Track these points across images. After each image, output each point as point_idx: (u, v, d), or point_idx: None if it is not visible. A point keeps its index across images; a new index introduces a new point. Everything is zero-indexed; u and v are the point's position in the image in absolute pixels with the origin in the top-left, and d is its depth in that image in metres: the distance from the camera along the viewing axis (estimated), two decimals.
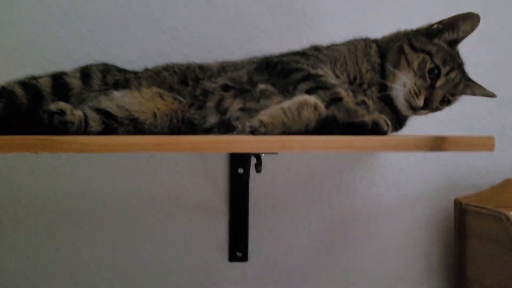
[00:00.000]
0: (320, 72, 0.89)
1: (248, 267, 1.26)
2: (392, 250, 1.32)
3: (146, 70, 1.06)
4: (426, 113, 0.96)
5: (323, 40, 1.08)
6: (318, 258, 1.29)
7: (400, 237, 1.32)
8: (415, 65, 0.92)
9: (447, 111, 1.31)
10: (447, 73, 0.93)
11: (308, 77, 0.87)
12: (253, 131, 0.77)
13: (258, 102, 0.91)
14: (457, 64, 0.95)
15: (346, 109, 0.81)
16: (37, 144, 0.68)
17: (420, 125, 1.28)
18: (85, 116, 0.83)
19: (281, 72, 0.91)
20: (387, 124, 0.80)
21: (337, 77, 0.93)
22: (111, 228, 1.21)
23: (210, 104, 0.94)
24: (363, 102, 0.92)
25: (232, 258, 1.25)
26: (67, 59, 1.18)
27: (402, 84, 0.92)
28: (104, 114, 0.87)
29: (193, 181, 1.23)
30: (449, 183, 1.33)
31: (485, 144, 0.83)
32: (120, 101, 0.90)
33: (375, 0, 1.30)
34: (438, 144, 0.81)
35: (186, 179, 1.23)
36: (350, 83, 0.94)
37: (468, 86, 0.99)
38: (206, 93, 0.95)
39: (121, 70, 1.04)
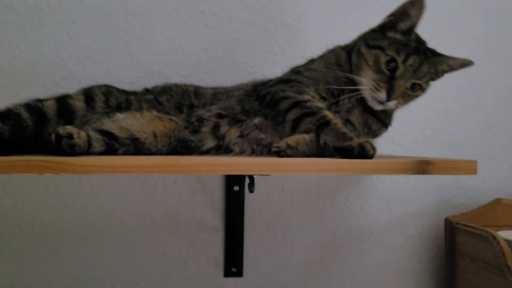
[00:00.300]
0: (306, 97, 0.93)
1: (243, 282, 1.29)
2: (385, 267, 1.35)
3: (146, 91, 1.10)
4: (397, 104, 0.97)
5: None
6: (311, 274, 1.32)
7: (392, 255, 1.35)
8: (370, 62, 0.96)
9: (437, 133, 1.37)
10: (404, 61, 0.94)
11: (295, 104, 0.91)
12: (279, 152, 0.84)
13: (254, 131, 0.96)
14: (413, 49, 0.96)
15: (334, 133, 0.85)
16: (42, 166, 0.72)
17: (412, 146, 1.33)
18: (89, 137, 0.87)
19: (270, 103, 0.95)
20: (373, 148, 0.84)
21: (323, 98, 0.96)
22: (112, 244, 1.24)
23: (205, 129, 0.98)
24: (348, 121, 0.96)
25: (228, 273, 1.28)
26: (71, 80, 1.23)
27: (366, 83, 0.95)
28: (107, 135, 0.91)
29: (191, 198, 1.27)
30: (440, 202, 1.37)
31: (468, 168, 0.86)
32: (123, 122, 0.94)
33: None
34: (422, 167, 0.85)
35: (184, 196, 1.27)
36: (337, 101, 0.98)
37: (437, 62, 0.99)
38: (201, 120, 0.99)
39: (121, 92, 1.08)
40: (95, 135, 0.89)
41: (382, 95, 0.94)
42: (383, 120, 1.03)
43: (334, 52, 1.04)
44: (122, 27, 1.25)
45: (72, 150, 0.80)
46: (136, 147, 0.94)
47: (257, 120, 0.96)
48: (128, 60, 1.26)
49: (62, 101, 0.98)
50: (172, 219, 1.26)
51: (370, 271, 1.34)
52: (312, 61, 1.06)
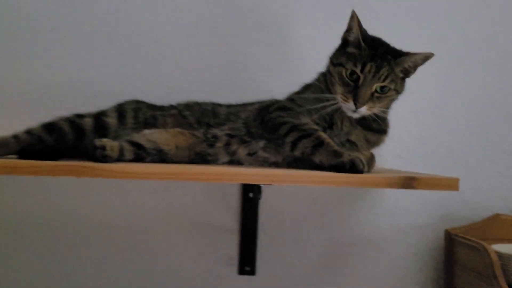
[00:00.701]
0: (302, 121, 1.05)
1: (255, 280, 1.41)
2: (388, 274, 1.44)
3: (171, 106, 1.24)
4: (370, 108, 1.05)
5: None
6: (318, 276, 1.43)
7: (395, 263, 1.44)
8: (337, 78, 1.07)
9: (440, 149, 1.45)
10: (362, 70, 1.03)
11: (292, 128, 1.03)
12: (353, 163, 0.94)
13: (259, 151, 1.09)
14: (368, 57, 1.04)
15: (327, 152, 0.97)
16: (80, 170, 0.87)
17: (415, 160, 1.42)
18: (121, 147, 1.02)
19: (272, 128, 1.08)
20: (363, 164, 0.94)
21: (317, 124, 1.07)
22: (138, 243, 1.39)
23: (219, 145, 1.12)
24: (348, 141, 1.08)
25: (241, 271, 1.40)
26: (107, 94, 1.38)
27: (338, 97, 1.06)
28: (136, 146, 1.05)
29: (209, 203, 1.40)
30: (442, 215, 1.45)
31: (451, 184, 0.96)
32: (149, 136, 1.09)
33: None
34: (408, 183, 0.95)
35: (204, 201, 1.40)
36: (329, 126, 1.09)
37: (399, 62, 1.06)
38: (215, 137, 1.13)
39: (149, 106, 1.22)
40: (126, 146, 1.03)
41: (351, 104, 1.04)
42: (379, 130, 1.14)
43: (318, 80, 1.15)
44: (153, 48, 1.41)
45: (104, 159, 0.95)
46: (161, 157, 1.08)
47: (261, 143, 1.09)
48: (156, 77, 1.41)
49: (98, 118, 1.14)
50: (192, 221, 1.40)
51: (374, 277, 1.44)
52: (305, 87, 1.18)
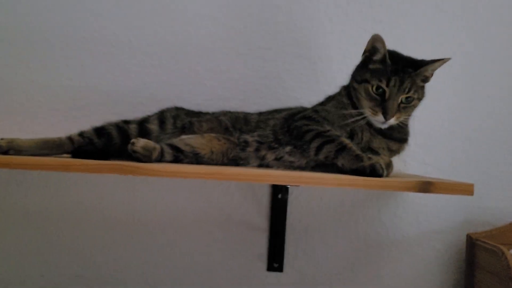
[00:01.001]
0: (326, 127, 1.14)
1: (283, 276, 1.50)
2: (411, 276, 1.51)
3: (207, 113, 1.36)
4: (398, 118, 1.14)
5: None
6: (343, 274, 1.51)
7: (419, 265, 1.51)
8: (363, 94, 1.15)
9: (465, 156, 1.51)
10: (387, 85, 1.12)
11: (317, 135, 1.12)
12: (373, 168, 1.03)
13: (285, 155, 1.19)
14: (392, 71, 1.13)
15: (349, 156, 1.05)
16: (123, 169, 0.99)
17: (442, 167, 1.49)
18: (162, 150, 1.14)
19: (298, 136, 1.17)
20: (382, 168, 1.03)
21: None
22: (176, 237, 1.51)
23: (250, 149, 1.22)
24: (369, 148, 1.16)
25: (270, 268, 1.50)
26: (152, 100, 1.51)
27: (366, 112, 1.14)
28: (175, 149, 1.17)
29: (242, 203, 1.51)
30: (464, 220, 1.50)
31: (466, 189, 1.02)
32: (187, 140, 1.21)
33: None
34: (425, 187, 1.02)
35: (236, 200, 1.51)
36: (350, 136, 1.17)
37: (419, 73, 1.15)
38: (246, 142, 1.23)
39: (188, 113, 1.35)
40: (166, 149, 1.15)
41: (380, 117, 1.13)
42: (400, 138, 1.22)
43: (340, 93, 1.25)
44: (193, 58, 1.53)
45: (144, 158, 1.07)
46: (197, 159, 1.19)
47: (288, 149, 1.19)
48: (196, 86, 1.53)
49: (142, 124, 1.27)
50: (225, 219, 1.51)
51: (396, 277, 1.50)
52: (328, 99, 1.27)
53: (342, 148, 1.07)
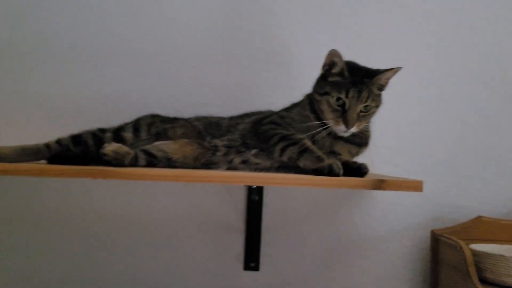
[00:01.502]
0: (291, 131, 1.22)
1: (259, 275, 1.57)
2: (382, 272, 1.57)
3: (183, 119, 1.43)
4: (359, 126, 1.21)
5: None
6: (318, 272, 1.58)
7: (389, 261, 1.57)
8: (325, 105, 1.23)
9: (431, 155, 1.58)
10: (347, 96, 1.20)
11: (282, 138, 1.20)
12: (331, 168, 1.10)
13: (251, 158, 1.26)
14: (350, 83, 1.21)
15: (311, 157, 1.13)
16: (96, 173, 1.06)
17: (410, 167, 1.56)
18: (136, 155, 1.20)
19: (264, 139, 1.24)
20: (339, 168, 1.10)
21: None
22: (157, 239, 1.57)
23: (219, 154, 1.29)
24: (332, 152, 1.24)
25: (247, 267, 1.56)
26: (132, 107, 1.56)
27: (329, 122, 1.22)
28: (149, 154, 1.23)
29: (219, 204, 1.58)
30: (432, 217, 1.57)
31: (415, 186, 1.09)
32: (160, 146, 1.27)
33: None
34: (378, 184, 1.09)
35: (214, 202, 1.58)
36: (313, 142, 1.22)
37: (375, 82, 1.22)
38: (216, 147, 1.31)
39: (163, 120, 1.41)
40: (140, 154, 1.21)
41: (342, 127, 1.21)
42: (360, 143, 1.30)
43: (304, 101, 1.32)
44: (172, 66, 1.60)
45: (115, 162, 1.13)
46: (170, 164, 1.25)
47: (253, 151, 1.26)
48: (175, 92, 1.60)
49: (117, 133, 1.33)
50: (203, 220, 1.58)
51: (369, 273, 1.57)
52: (293, 105, 1.34)
53: (304, 150, 1.15)
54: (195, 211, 1.58)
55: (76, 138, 1.30)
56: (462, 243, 1.28)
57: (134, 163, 1.19)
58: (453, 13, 1.62)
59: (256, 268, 1.56)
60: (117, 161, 1.14)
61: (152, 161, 1.23)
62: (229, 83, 1.61)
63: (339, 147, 1.26)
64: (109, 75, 1.60)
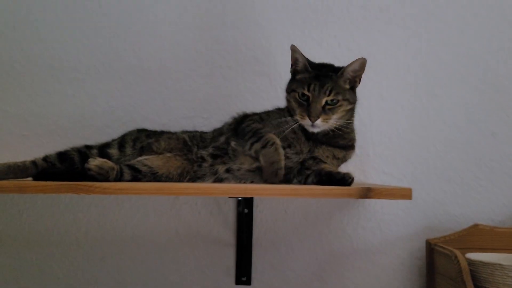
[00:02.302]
0: (264, 128, 1.22)
1: None
2: (376, 284, 1.53)
3: (167, 132, 1.41)
4: (325, 120, 1.20)
5: None
6: (311, 285, 1.54)
7: (383, 272, 1.53)
8: (293, 102, 1.24)
9: (424, 164, 1.54)
10: (309, 90, 1.21)
11: (254, 134, 1.21)
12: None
13: (234, 162, 1.23)
14: (313, 77, 1.23)
15: (269, 156, 1.14)
16: (78, 188, 1.03)
17: (401, 176, 1.53)
18: (121, 170, 1.18)
19: (241, 134, 1.25)
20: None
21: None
22: (145, 254, 1.54)
23: (205, 165, 1.27)
24: (313, 157, 1.22)
25: (238, 281, 1.52)
26: (118, 123, 1.57)
27: (297, 117, 1.22)
28: (133, 169, 1.21)
29: (209, 218, 1.55)
30: (426, 227, 1.54)
31: (404, 194, 1.06)
32: (145, 161, 1.25)
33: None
34: (365, 193, 1.06)
35: (203, 216, 1.55)
36: (288, 146, 1.23)
37: (340, 75, 1.23)
38: (203, 158, 1.28)
39: (149, 134, 1.39)
40: (125, 169, 1.20)
41: (307, 120, 1.20)
42: (344, 145, 1.27)
43: (285, 107, 1.32)
44: (157, 81, 1.59)
45: (99, 177, 1.11)
46: (155, 178, 1.23)
47: (233, 144, 1.26)
48: (161, 107, 1.58)
49: (103, 150, 1.32)
50: (193, 235, 1.54)
51: (362, 286, 1.53)
52: (276, 109, 1.35)
53: (270, 144, 1.15)
54: (184, 225, 1.55)
55: (62, 155, 1.28)
56: (457, 252, 1.24)
57: (119, 178, 1.18)
58: (441, 17, 1.61)
59: (248, 282, 1.52)
60: (101, 176, 1.12)
61: (137, 175, 1.22)
62: (213, 95, 1.59)
63: (322, 152, 1.24)
64: (93, 93, 1.58)
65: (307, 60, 1.27)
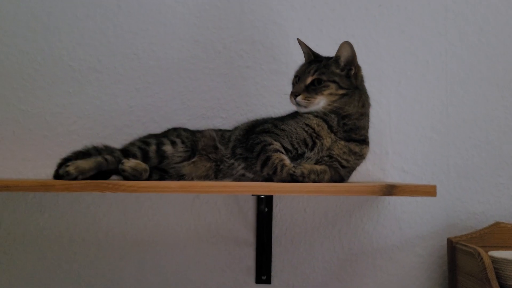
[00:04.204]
0: (274, 145, 1.20)
1: None
2: (396, 283, 1.52)
3: (199, 131, 1.43)
4: (306, 98, 1.24)
5: None
6: (330, 284, 1.53)
7: (403, 271, 1.52)
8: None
9: (445, 162, 1.54)
10: (298, 71, 1.33)
11: (262, 149, 1.19)
12: (293, 177, 1.12)
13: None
14: (307, 63, 1.33)
15: (280, 177, 1.13)
16: (104, 186, 1.05)
17: (421, 174, 1.53)
18: (151, 171, 1.23)
19: (249, 148, 1.24)
20: (303, 175, 1.13)
21: (294, 148, 1.22)
22: (165, 253, 1.55)
23: (223, 166, 1.31)
24: (329, 156, 1.23)
25: (258, 280, 1.53)
26: (137, 123, 1.58)
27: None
28: (162, 170, 1.27)
29: (229, 217, 1.55)
30: (447, 225, 1.52)
31: (428, 191, 1.06)
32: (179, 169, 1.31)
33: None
34: (389, 190, 1.06)
35: (223, 215, 1.55)
36: (310, 148, 1.23)
37: (334, 61, 1.28)
38: (222, 158, 1.32)
39: (186, 130, 1.43)
40: (154, 170, 1.26)
41: (292, 99, 1.26)
42: (358, 139, 1.27)
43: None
44: (176, 80, 1.60)
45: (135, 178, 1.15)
46: (181, 179, 1.28)
47: (241, 166, 1.27)
48: (180, 106, 1.59)
49: (159, 147, 1.31)
50: (213, 234, 1.55)
51: (382, 285, 1.52)
52: (286, 118, 1.34)
53: (283, 165, 1.14)
54: (205, 225, 1.56)
55: (125, 152, 1.30)
56: (480, 250, 1.24)
57: (147, 179, 1.22)
58: (460, 15, 1.60)
59: (268, 281, 1.52)
60: (135, 178, 1.17)
61: (164, 176, 1.26)
62: (232, 94, 1.60)
63: (339, 148, 1.24)
64: (113, 93, 1.59)
65: (310, 50, 1.36)
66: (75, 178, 1.13)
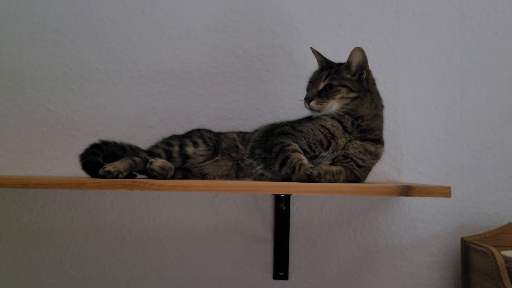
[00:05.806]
0: (292, 146, 1.25)
1: (288, 284, 1.58)
2: (410, 281, 1.57)
3: (222, 133, 1.49)
4: (318, 103, 1.30)
5: None
6: (346, 281, 1.58)
7: (417, 270, 1.57)
8: None
9: (459, 164, 1.57)
10: (311, 77, 1.39)
11: (280, 150, 1.25)
12: (310, 177, 1.17)
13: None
14: (320, 70, 1.38)
15: (298, 177, 1.18)
16: (132, 185, 1.11)
17: (436, 175, 1.57)
18: (175, 169, 1.30)
19: (268, 148, 1.30)
20: (319, 176, 1.17)
21: (312, 149, 1.28)
22: (186, 249, 1.61)
23: (243, 164, 1.37)
24: (345, 156, 1.27)
25: (276, 276, 1.58)
26: (160, 124, 1.65)
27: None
28: (185, 169, 1.33)
29: (247, 215, 1.61)
30: (461, 225, 1.56)
31: (443, 192, 1.10)
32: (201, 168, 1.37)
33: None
34: (405, 191, 1.10)
35: (242, 213, 1.61)
36: (325, 148, 1.28)
37: (346, 67, 1.33)
38: (243, 157, 1.37)
39: (209, 131, 1.48)
40: (178, 169, 1.31)
41: (306, 104, 1.32)
42: (372, 139, 1.32)
43: None
44: (197, 83, 1.66)
45: (158, 176, 1.22)
46: (203, 178, 1.34)
47: (259, 168, 1.33)
48: (201, 108, 1.66)
49: (181, 148, 1.36)
50: (232, 231, 1.61)
51: (396, 283, 1.57)
52: (303, 120, 1.39)
53: (301, 165, 1.19)
54: (224, 222, 1.62)
55: (150, 153, 1.35)
56: (493, 249, 1.27)
57: (172, 177, 1.28)
58: (474, 19, 1.63)
59: (285, 277, 1.58)
60: (162, 176, 1.23)
61: (187, 175, 1.33)
62: (251, 97, 1.66)
63: (354, 148, 1.28)
64: (137, 95, 1.66)
65: (323, 57, 1.41)
66: (116, 177, 1.20)
